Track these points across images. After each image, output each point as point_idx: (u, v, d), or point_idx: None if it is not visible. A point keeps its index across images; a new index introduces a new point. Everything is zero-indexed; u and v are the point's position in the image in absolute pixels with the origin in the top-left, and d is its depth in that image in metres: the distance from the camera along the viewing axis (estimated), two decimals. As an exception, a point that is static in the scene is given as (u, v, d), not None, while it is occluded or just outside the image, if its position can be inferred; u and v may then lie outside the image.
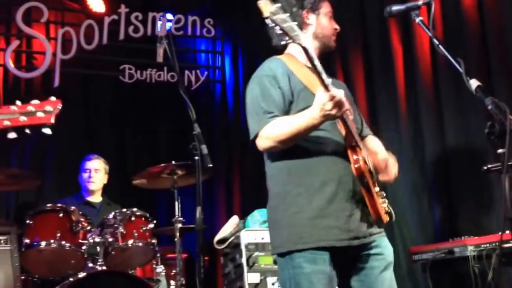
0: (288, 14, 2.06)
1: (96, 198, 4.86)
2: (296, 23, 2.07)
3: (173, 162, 4.14)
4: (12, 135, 1.93)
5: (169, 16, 6.16)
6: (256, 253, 3.79)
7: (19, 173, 4.04)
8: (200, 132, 2.74)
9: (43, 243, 3.64)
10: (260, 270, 3.76)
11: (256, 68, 2.52)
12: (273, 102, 2.32)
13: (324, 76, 2.10)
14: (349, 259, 2.28)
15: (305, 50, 2.07)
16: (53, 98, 2.00)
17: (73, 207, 3.87)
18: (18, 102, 1.95)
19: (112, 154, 5.53)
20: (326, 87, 2.10)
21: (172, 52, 3.05)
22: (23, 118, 1.92)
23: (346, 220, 2.23)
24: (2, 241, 3.45)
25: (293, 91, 2.34)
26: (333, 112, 2.10)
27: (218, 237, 4.16)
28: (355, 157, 2.23)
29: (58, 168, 5.70)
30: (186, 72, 6.10)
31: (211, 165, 2.66)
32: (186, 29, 6.24)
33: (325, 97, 2.09)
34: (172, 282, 4.25)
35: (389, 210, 2.34)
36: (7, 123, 1.91)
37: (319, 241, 2.20)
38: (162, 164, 4.16)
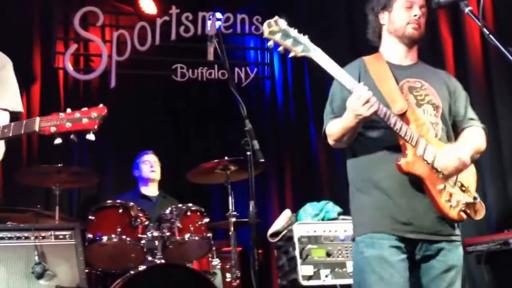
0: (295, 30, 2.23)
1: (152, 191, 5.03)
2: (307, 37, 2.23)
3: (226, 157, 4.24)
4: (57, 140, 2.00)
5: (218, 15, 6.27)
6: (309, 246, 3.83)
7: (81, 171, 4.23)
8: (252, 128, 2.80)
9: (105, 238, 3.80)
10: (314, 263, 3.80)
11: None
12: (338, 104, 2.47)
13: (345, 81, 2.25)
14: (413, 254, 2.35)
15: (312, 60, 2.19)
16: (100, 105, 2.06)
17: (131, 203, 4.03)
18: (68, 110, 2.02)
19: (166, 151, 5.69)
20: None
21: (222, 50, 3.11)
22: (68, 124, 1.98)
23: (403, 213, 2.31)
24: (67, 236, 3.62)
25: None
26: (360, 112, 2.22)
27: (271, 230, 4.23)
28: (402, 155, 2.31)
29: (115, 165, 5.92)
30: (236, 69, 6.20)
31: (262, 160, 2.72)
32: (235, 27, 6.33)
33: (351, 98, 2.23)
34: (228, 275, 4.35)
35: (463, 208, 2.36)
36: (53, 129, 1.97)
37: (375, 228, 2.34)
38: (216, 160, 4.27)
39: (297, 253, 3.82)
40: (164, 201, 4.95)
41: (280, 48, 2.23)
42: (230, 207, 4.26)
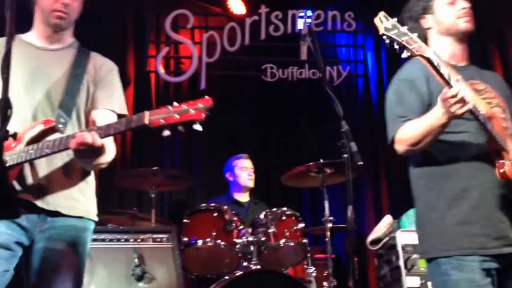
0: (407, 27, 2.08)
1: (244, 197, 4.94)
2: (417, 34, 2.09)
3: (321, 160, 4.08)
4: (166, 132, 1.99)
5: (308, 12, 6.11)
6: (415, 256, 3.59)
7: (176, 174, 4.22)
8: (349, 129, 2.67)
9: (200, 242, 3.75)
10: (420, 274, 3.56)
11: (401, 60, 2.44)
12: (408, 106, 2.31)
13: (448, 75, 2.07)
14: (502, 268, 2.17)
15: (428, 60, 2.06)
16: (205, 97, 2.02)
17: (225, 207, 3.96)
18: (175, 103, 2.01)
19: (257, 153, 5.59)
20: (449, 85, 2.06)
21: (316, 48, 3.00)
22: (176, 116, 1.97)
23: (494, 227, 2.14)
24: (164, 239, 3.61)
25: (432, 93, 2.28)
26: (453, 109, 2.06)
27: (371, 237, 4.01)
28: (501, 161, 2.14)
29: (205, 168, 5.90)
30: (328, 68, 6.01)
31: (361, 163, 2.59)
32: (326, 24, 6.15)
33: (445, 94, 2.07)
34: (325, 283, 4.18)
35: None
36: (162, 121, 1.97)
37: (463, 249, 2.14)
38: (311, 163, 4.12)
39: (401, 263, 3.60)
40: (255, 207, 4.85)
41: (397, 46, 2.09)
42: (326, 212, 4.10)
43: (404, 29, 2.07)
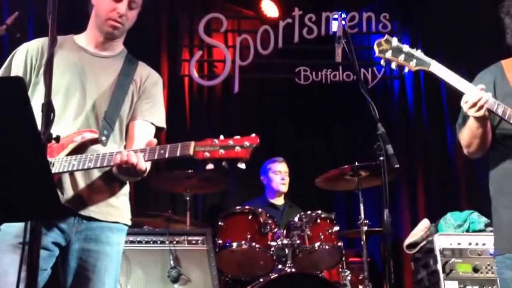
0: (407, 45, 2.32)
1: (279, 200, 4.93)
2: (419, 50, 2.31)
3: (356, 163, 4.04)
4: (209, 166, 2.00)
5: (342, 14, 6.06)
6: (453, 260, 3.53)
7: (211, 176, 4.23)
8: (385, 131, 2.61)
9: (234, 244, 3.76)
10: (459, 278, 3.49)
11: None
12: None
13: (458, 84, 2.27)
14: None
15: (430, 73, 2.27)
16: (252, 135, 2.02)
17: (260, 209, 3.96)
18: (221, 137, 2.02)
19: (291, 156, 5.58)
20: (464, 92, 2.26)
21: (351, 50, 2.95)
22: (221, 151, 1.97)
23: None
24: (199, 241, 3.63)
25: (497, 97, 2.33)
26: (470, 113, 2.25)
27: (408, 241, 3.95)
28: None
29: (239, 171, 5.88)
30: (362, 70, 5.95)
31: (397, 166, 2.53)
32: (361, 26, 6.10)
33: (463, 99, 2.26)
34: (360, 287, 4.12)
35: None
36: (207, 154, 1.98)
37: (509, 248, 2.25)
38: (345, 166, 4.08)
39: (439, 267, 3.54)
40: (290, 211, 4.84)
41: (393, 65, 2.33)
42: (362, 215, 4.05)
43: (406, 47, 2.29)
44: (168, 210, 4.41)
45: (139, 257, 3.43)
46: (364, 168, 4.05)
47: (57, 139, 1.77)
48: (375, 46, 2.34)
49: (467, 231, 3.74)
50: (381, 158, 2.59)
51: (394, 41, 2.31)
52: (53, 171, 2.07)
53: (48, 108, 1.70)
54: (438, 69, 2.28)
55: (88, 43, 2.35)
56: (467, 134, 2.36)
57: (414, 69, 2.29)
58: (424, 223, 3.97)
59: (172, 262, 3.44)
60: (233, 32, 6.19)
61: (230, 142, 1.99)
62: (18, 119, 1.24)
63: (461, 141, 2.44)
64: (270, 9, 6.18)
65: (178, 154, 2.00)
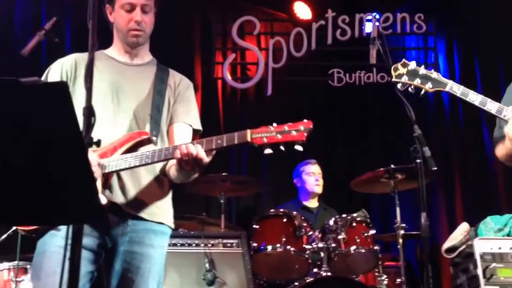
0: (424, 68, 2.42)
1: (313, 203, 4.90)
2: (432, 72, 2.41)
3: (392, 165, 3.99)
4: (268, 151, 2.06)
5: (376, 15, 6.00)
6: (494, 264, 3.42)
7: (245, 180, 4.24)
8: (421, 133, 2.61)
9: (269, 247, 3.75)
10: (500, 283, 3.38)
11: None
12: (500, 128, 2.51)
13: (489, 106, 2.35)
14: None
15: (448, 93, 2.36)
16: (305, 120, 2.09)
17: (294, 212, 3.94)
18: (275, 124, 2.08)
19: (324, 159, 5.54)
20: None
21: (386, 52, 2.94)
22: (278, 136, 2.04)
23: None
24: (234, 244, 3.63)
25: None
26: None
27: (446, 245, 3.86)
28: None
29: (272, 174, 5.88)
30: (396, 71, 5.87)
31: (435, 168, 2.54)
32: (395, 27, 6.03)
33: (508, 126, 2.33)
34: (397, 292, 4.07)
35: None
36: (265, 140, 2.04)
37: None
38: (381, 168, 4.03)
39: (479, 271, 3.43)
40: (324, 213, 4.81)
41: (411, 88, 2.44)
42: (398, 218, 3.99)
43: (422, 69, 2.36)
44: (202, 213, 4.42)
45: (174, 259, 3.44)
46: (401, 171, 3.99)
47: (98, 143, 1.80)
48: (392, 71, 2.44)
49: (508, 235, 3.64)
50: (418, 160, 2.57)
51: (412, 65, 2.41)
52: (108, 170, 2.14)
53: (89, 112, 1.72)
54: (455, 88, 2.37)
55: (117, 54, 2.44)
56: (505, 153, 2.43)
57: (431, 91, 2.38)
58: (464, 227, 3.87)
59: (207, 265, 3.45)
60: (266, 34, 6.19)
61: (285, 127, 2.06)
62: (63, 123, 1.25)
63: (498, 155, 2.48)
64: (302, 11, 6.16)
65: (236, 142, 2.07)
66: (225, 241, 3.61)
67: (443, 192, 5.54)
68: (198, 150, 2.07)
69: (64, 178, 1.30)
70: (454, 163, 5.55)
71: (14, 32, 5.21)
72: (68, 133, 1.28)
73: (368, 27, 5.88)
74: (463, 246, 3.70)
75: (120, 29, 2.39)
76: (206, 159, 2.09)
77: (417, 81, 2.39)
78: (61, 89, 1.23)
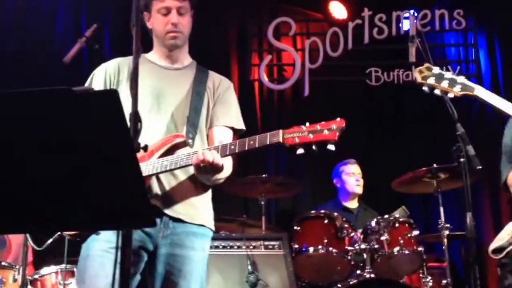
0: (449, 72, 2.40)
1: (353, 203, 4.86)
2: (455, 75, 2.39)
3: (434, 165, 3.92)
4: (300, 151, 2.04)
5: (414, 12, 5.91)
6: (544, 266, 3.33)
7: (285, 181, 4.24)
8: (464, 132, 2.57)
9: (311, 249, 3.74)
10: (550, 285, 3.29)
11: None
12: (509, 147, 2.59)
13: (503, 107, 2.33)
14: None
15: (476, 97, 2.35)
16: (338, 119, 2.08)
17: (336, 213, 3.91)
18: (307, 123, 2.07)
19: (363, 159, 5.48)
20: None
21: (426, 49, 2.90)
22: (310, 136, 2.02)
23: None
24: (275, 246, 3.62)
25: None
26: None
27: (493, 245, 3.76)
28: None
29: (311, 174, 5.86)
30: (437, 69, 5.77)
31: (480, 167, 2.51)
32: (433, 24, 5.92)
33: None
34: (442, 293, 4.00)
35: None
36: (296, 140, 2.03)
37: None
38: (424, 168, 3.97)
39: (529, 273, 3.34)
40: (365, 214, 4.76)
41: (437, 91, 2.40)
42: (442, 219, 3.92)
43: (448, 74, 2.34)
44: (242, 215, 4.43)
45: (216, 262, 3.46)
46: (444, 170, 3.92)
47: (145, 148, 1.83)
48: (416, 74, 2.43)
49: (558, 235, 3.52)
50: (462, 159, 2.52)
51: (436, 69, 2.39)
52: (146, 174, 2.16)
53: (135, 118, 1.74)
54: (482, 93, 2.35)
55: (157, 59, 2.46)
56: None
57: (459, 94, 2.33)
58: (511, 227, 3.77)
59: (249, 267, 3.45)
60: (301, 35, 6.16)
61: (318, 126, 2.04)
62: (114, 130, 1.27)
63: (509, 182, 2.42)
64: (338, 11, 6.11)
65: (268, 142, 2.05)
66: (266, 243, 3.61)
67: (488, 191, 5.41)
68: (215, 156, 2.08)
69: (117, 184, 1.31)
70: (498, 161, 5.40)
71: (56, 40, 5.34)
72: (120, 140, 1.29)
73: (406, 25, 5.79)
74: (511, 247, 3.61)
75: (158, 33, 2.42)
76: (220, 163, 2.10)
77: (445, 84, 2.36)
78: (113, 96, 1.24)
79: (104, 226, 1.60)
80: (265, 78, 5.95)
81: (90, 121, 1.27)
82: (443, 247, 3.85)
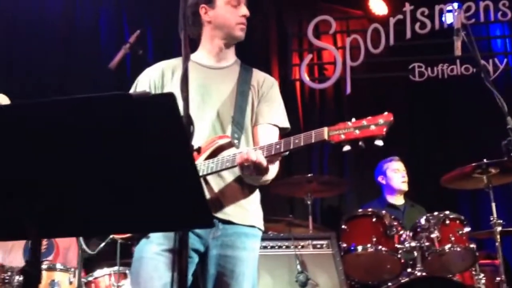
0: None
1: (399, 200, 4.79)
2: None
3: (485, 160, 3.83)
4: (346, 148, 2.00)
5: (457, 5, 5.79)
6: None
7: (331, 180, 4.23)
8: None
9: (359, 248, 3.71)
10: None
11: None
12: None
13: None
14: None
15: None
16: (385, 113, 2.01)
17: (383, 211, 3.87)
18: (353, 119, 2.01)
19: (408, 156, 5.40)
20: None
21: (471, 42, 2.84)
22: (356, 132, 1.97)
23: None
24: (324, 246, 3.62)
25: None
26: None
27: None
28: None
29: (355, 172, 5.80)
30: (482, 62, 5.63)
31: None
32: (478, 16, 5.78)
33: None
34: (496, 291, 3.90)
35: None
36: (342, 137, 1.98)
37: None
38: (473, 163, 3.88)
39: None
40: (412, 210, 4.69)
41: None
42: (495, 215, 3.82)
43: None
44: (288, 215, 4.43)
45: (265, 262, 3.47)
46: (494, 165, 3.82)
47: (199, 150, 1.85)
48: None
49: None
50: (514, 154, 2.46)
51: None
52: None
53: (187, 121, 1.76)
54: None
55: (203, 58, 2.43)
56: None
57: None
58: None
59: (298, 266, 3.45)
60: (342, 33, 6.12)
61: (364, 122, 1.99)
62: (172, 133, 1.29)
63: None
64: (378, 7, 6.04)
65: (313, 140, 2.02)
66: (314, 242, 3.61)
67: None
68: (258, 156, 2.05)
69: (176, 187, 1.34)
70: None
71: (101, 48, 5.46)
72: (178, 143, 1.31)
73: (449, 18, 5.67)
74: None
75: (225, 25, 2.37)
76: (264, 163, 2.07)
77: None
78: (170, 100, 1.26)
79: (164, 227, 1.63)
80: (306, 78, 5.93)
81: (148, 125, 1.30)
82: (496, 244, 3.75)
